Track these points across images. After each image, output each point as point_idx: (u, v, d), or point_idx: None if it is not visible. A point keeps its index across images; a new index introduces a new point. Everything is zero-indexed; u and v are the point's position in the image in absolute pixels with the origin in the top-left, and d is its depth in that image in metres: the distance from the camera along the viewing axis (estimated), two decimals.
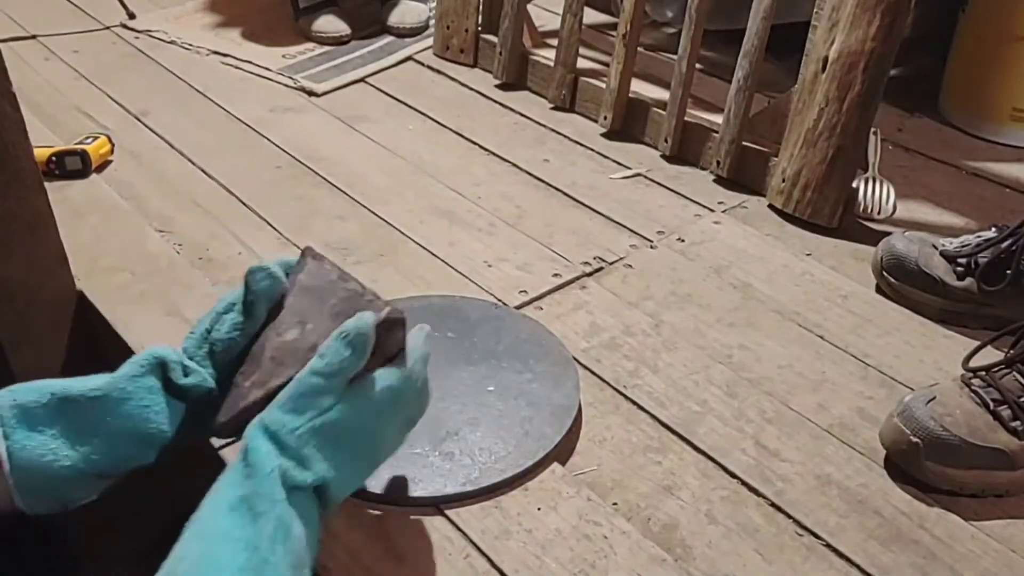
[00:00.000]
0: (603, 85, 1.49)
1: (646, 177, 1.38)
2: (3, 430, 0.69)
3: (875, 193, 1.27)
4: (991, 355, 0.94)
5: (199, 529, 0.65)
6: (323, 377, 0.68)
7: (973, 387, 0.89)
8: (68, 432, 0.72)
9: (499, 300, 1.11)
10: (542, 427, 0.91)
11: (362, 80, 1.67)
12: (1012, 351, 0.91)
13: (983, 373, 0.90)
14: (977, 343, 0.97)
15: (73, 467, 0.72)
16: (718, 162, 1.36)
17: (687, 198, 1.33)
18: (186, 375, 0.75)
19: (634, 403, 0.97)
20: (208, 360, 0.76)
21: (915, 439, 0.86)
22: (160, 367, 0.75)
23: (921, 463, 0.86)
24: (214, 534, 0.64)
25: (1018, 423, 0.86)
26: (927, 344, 1.06)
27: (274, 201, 1.31)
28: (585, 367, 1.02)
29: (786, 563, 0.81)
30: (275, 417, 0.67)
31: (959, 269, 1.07)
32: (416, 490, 0.85)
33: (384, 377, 0.71)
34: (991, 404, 0.87)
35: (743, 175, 1.35)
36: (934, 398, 0.88)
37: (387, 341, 0.72)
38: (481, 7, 1.66)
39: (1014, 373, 0.88)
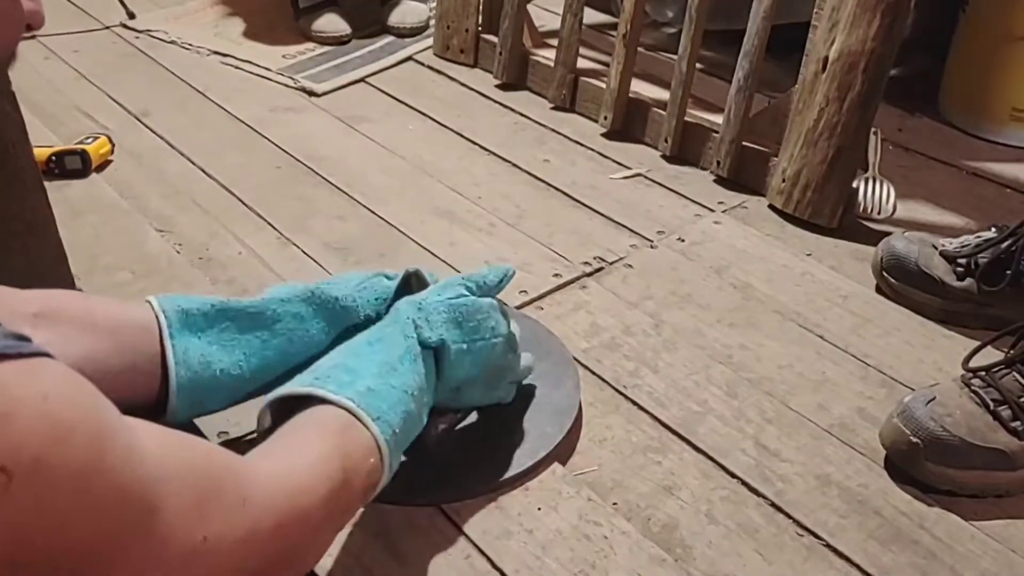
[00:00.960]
0: (603, 85, 1.49)
1: (646, 177, 1.38)
2: (170, 331, 0.76)
3: (875, 193, 1.27)
4: (991, 355, 0.94)
5: (341, 349, 0.77)
6: (465, 284, 0.84)
7: (973, 387, 0.89)
8: (223, 339, 0.79)
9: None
10: (542, 427, 0.91)
11: (362, 80, 1.67)
12: (1012, 351, 0.91)
13: (983, 373, 0.90)
14: (977, 343, 0.97)
15: (226, 372, 0.79)
16: (718, 162, 1.36)
17: (687, 198, 1.33)
18: (340, 303, 0.85)
19: (634, 403, 0.97)
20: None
21: (915, 439, 0.86)
22: (311, 296, 0.84)
23: (921, 463, 0.86)
24: (353, 349, 0.76)
25: (1018, 423, 0.86)
26: (927, 344, 1.06)
27: (274, 201, 1.31)
28: (585, 367, 1.02)
29: (786, 563, 0.81)
30: (421, 295, 0.83)
31: (959, 269, 1.07)
32: (416, 490, 0.85)
33: (502, 321, 0.85)
34: (991, 404, 0.87)
35: (743, 175, 1.35)
36: (934, 398, 0.88)
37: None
38: (481, 7, 1.66)
39: (1014, 373, 0.88)
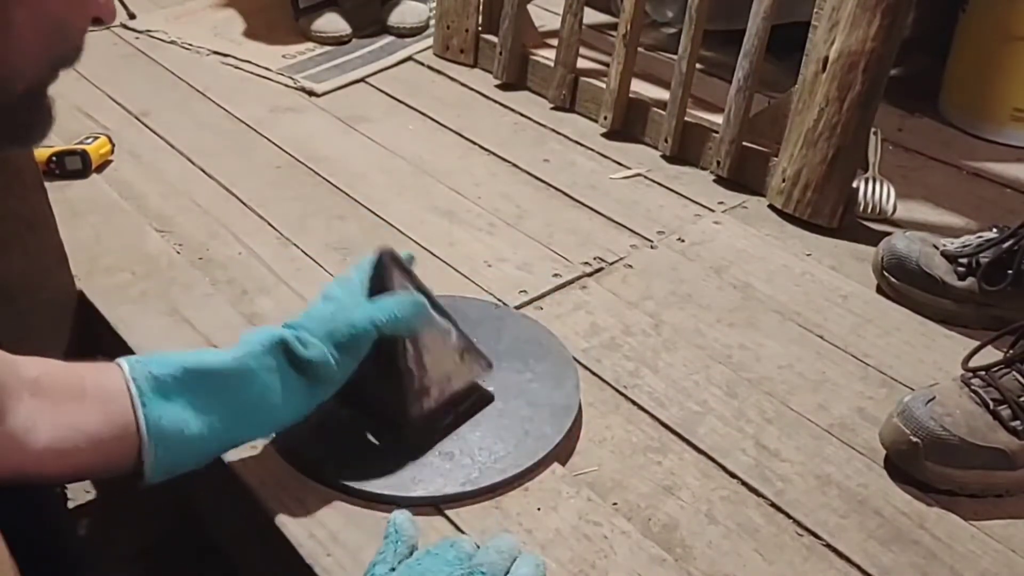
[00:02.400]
0: (603, 85, 1.48)
1: (646, 177, 1.38)
2: (141, 399, 0.75)
3: (875, 193, 1.27)
4: (991, 355, 0.94)
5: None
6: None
7: (973, 387, 0.89)
8: (197, 404, 0.77)
9: (499, 300, 1.11)
10: (542, 427, 0.91)
11: (362, 80, 1.67)
12: (1012, 351, 0.91)
13: (983, 373, 0.90)
14: (977, 343, 0.97)
15: (198, 435, 0.77)
16: (718, 162, 1.36)
17: (687, 198, 1.33)
18: (306, 348, 0.81)
19: (634, 403, 0.97)
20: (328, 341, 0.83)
21: (915, 439, 0.86)
22: (281, 345, 0.80)
23: (921, 463, 0.86)
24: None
25: (1018, 423, 0.86)
26: (927, 344, 1.06)
27: (274, 201, 1.31)
28: (585, 367, 1.02)
29: (786, 563, 0.81)
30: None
31: (960, 269, 1.07)
32: (416, 490, 0.85)
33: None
34: (991, 404, 0.87)
35: (743, 175, 1.35)
36: (933, 398, 0.88)
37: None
38: (481, 7, 1.66)
39: (1014, 373, 0.88)
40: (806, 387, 1.00)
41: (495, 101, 1.59)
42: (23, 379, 0.73)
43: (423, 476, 0.86)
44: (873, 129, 1.29)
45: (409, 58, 1.74)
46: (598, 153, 1.44)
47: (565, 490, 0.87)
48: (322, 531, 0.82)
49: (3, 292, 1.05)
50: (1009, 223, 1.08)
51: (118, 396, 0.75)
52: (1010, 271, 1.04)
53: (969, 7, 1.47)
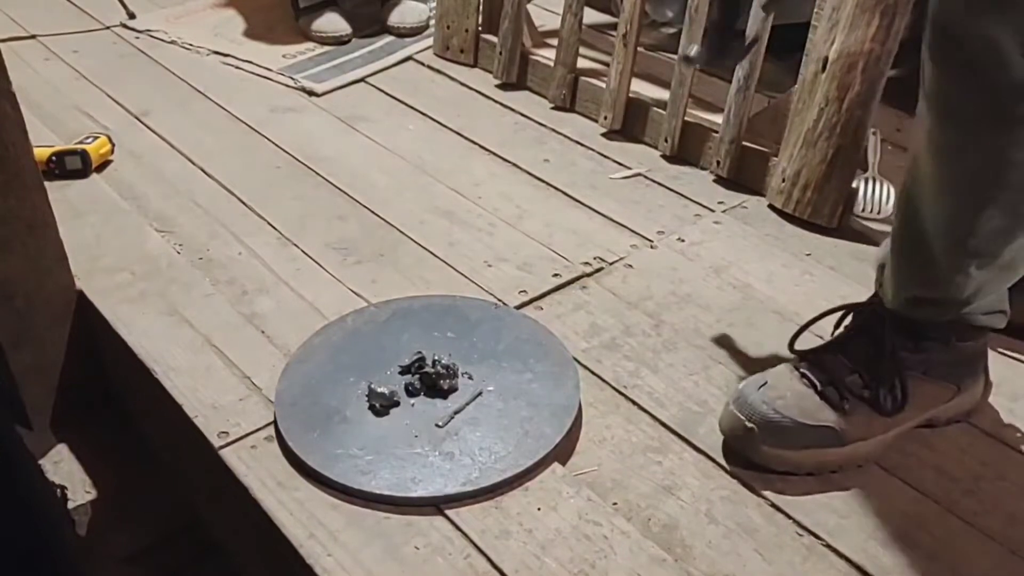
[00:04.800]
0: (603, 85, 1.49)
1: (646, 177, 1.38)
2: None
3: (875, 193, 1.27)
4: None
5: None
6: None
7: (802, 369, 0.90)
8: None
9: (499, 300, 1.11)
10: (542, 427, 0.91)
11: (362, 80, 1.67)
12: (835, 333, 0.93)
13: (811, 356, 0.91)
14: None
15: None
16: (718, 162, 1.36)
17: (687, 198, 1.33)
18: None
19: (634, 403, 0.97)
20: None
21: (750, 425, 0.87)
22: None
23: (758, 447, 0.88)
24: None
25: (845, 402, 0.88)
26: None
27: (274, 201, 1.31)
28: (585, 367, 1.02)
29: (786, 563, 0.81)
30: None
31: None
32: (416, 490, 0.85)
33: None
34: (819, 385, 0.88)
35: (743, 175, 1.35)
36: (766, 382, 0.90)
37: None
38: (481, 7, 1.66)
39: (840, 355, 0.90)
40: None
41: (495, 101, 1.59)
42: None
43: (423, 476, 0.86)
44: (873, 129, 1.29)
45: (409, 58, 1.74)
46: (598, 153, 1.44)
47: (565, 490, 0.87)
48: (322, 531, 0.82)
49: (3, 292, 1.05)
50: None
51: None
52: None
53: None
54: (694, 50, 1.17)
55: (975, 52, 0.73)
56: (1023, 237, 0.80)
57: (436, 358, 0.96)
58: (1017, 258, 0.83)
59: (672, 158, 1.42)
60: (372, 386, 0.94)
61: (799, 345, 0.94)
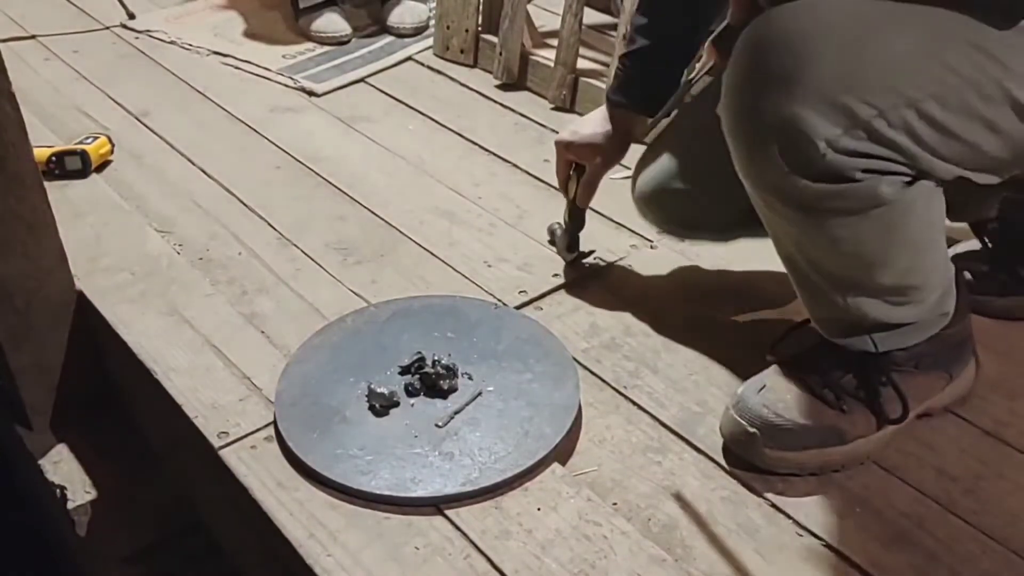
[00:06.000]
0: (603, 85, 1.48)
1: None
2: None
3: None
4: None
5: None
6: None
7: (798, 372, 0.90)
8: None
9: (499, 300, 1.11)
10: (542, 427, 0.91)
11: (362, 80, 1.67)
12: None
13: (806, 357, 0.91)
14: None
15: None
16: None
17: None
18: None
19: (634, 403, 0.97)
20: None
21: (752, 429, 0.87)
22: None
23: (761, 451, 0.88)
24: None
25: (842, 402, 0.88)
26: None
27: (274, 201, 1.31)
28: (585, 367, 1.02)
29: (786, 563, 0.81)
30: None
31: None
32: (416, 490, 0.85)
33: None
34: (816, 386, 0.89)
35: None
36: (764, 386, 0.90)
37: None
38: (481, 7, 1.66)
39: (832, 355, 0.89)
40: None
41: (495, 101, 1.59)
42: None
43: (423, 476, 0.86)
44: None
45: (409, 58, 1.74)
46: None
47: (565, 490, 0.87)
48: (322, 531, 0.82)
49: (3, 292, 1.05)
50: None
51: None
52: None
53: None
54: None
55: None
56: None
57: (436, 358, 0.96)
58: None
59: None
60: (372, 386, 0.94)
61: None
